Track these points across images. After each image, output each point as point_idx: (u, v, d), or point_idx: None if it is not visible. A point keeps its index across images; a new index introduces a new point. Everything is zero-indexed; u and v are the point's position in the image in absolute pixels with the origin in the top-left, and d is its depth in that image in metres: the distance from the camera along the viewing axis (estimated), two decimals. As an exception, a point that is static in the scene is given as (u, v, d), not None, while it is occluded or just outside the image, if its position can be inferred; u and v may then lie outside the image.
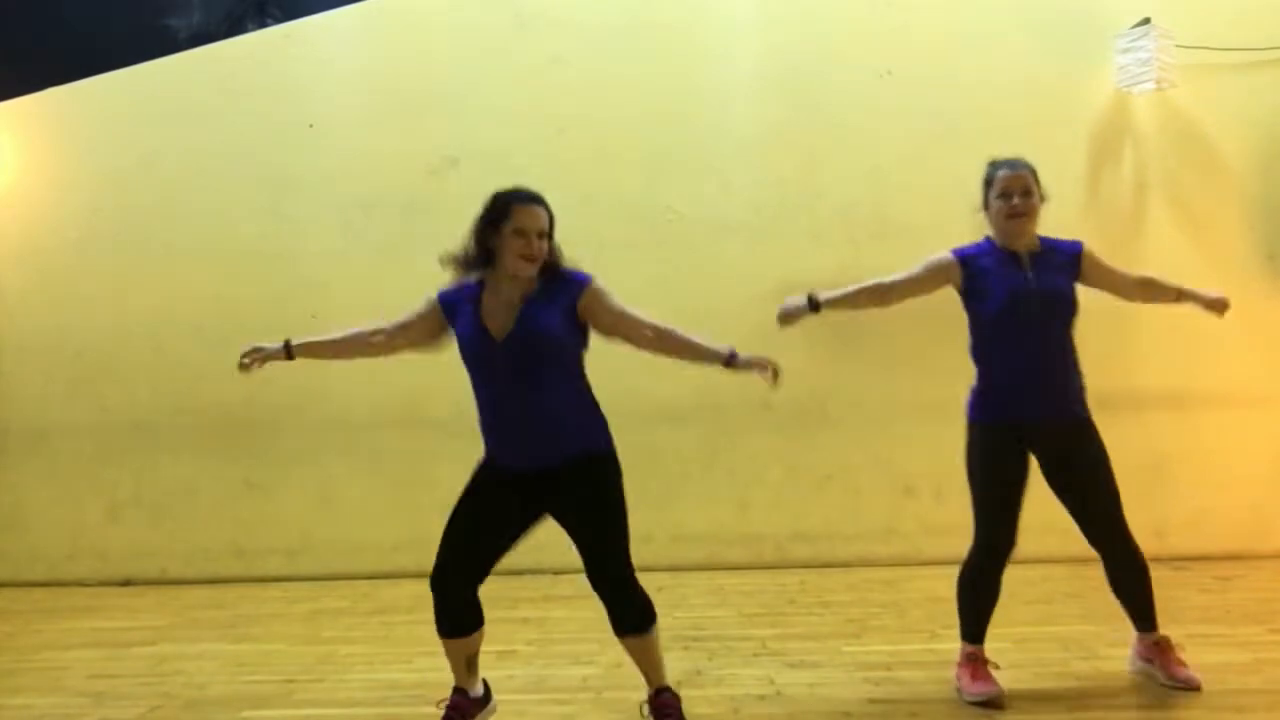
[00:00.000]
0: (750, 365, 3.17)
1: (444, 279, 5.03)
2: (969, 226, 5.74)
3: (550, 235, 3.16)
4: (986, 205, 3.59)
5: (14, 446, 5.95)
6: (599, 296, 3.17)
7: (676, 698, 3.29)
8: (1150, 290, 3.72)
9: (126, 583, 5.85)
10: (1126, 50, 5.70)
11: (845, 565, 5.53)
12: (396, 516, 5.83)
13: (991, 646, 3.76)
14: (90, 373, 5.92)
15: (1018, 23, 5.89)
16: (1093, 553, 5.59)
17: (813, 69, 5.91)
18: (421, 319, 3.30)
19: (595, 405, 3.23)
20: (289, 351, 3.36)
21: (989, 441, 3.51)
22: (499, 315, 3.12)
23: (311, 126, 5.95)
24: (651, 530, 5.82)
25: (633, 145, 5.87)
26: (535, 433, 3.10)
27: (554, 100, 5.89)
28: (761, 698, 3.61)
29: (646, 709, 3.29)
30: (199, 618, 5.05)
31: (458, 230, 6.11)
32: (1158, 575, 5.32)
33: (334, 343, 3.41)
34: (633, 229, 5.83)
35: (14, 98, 6.00)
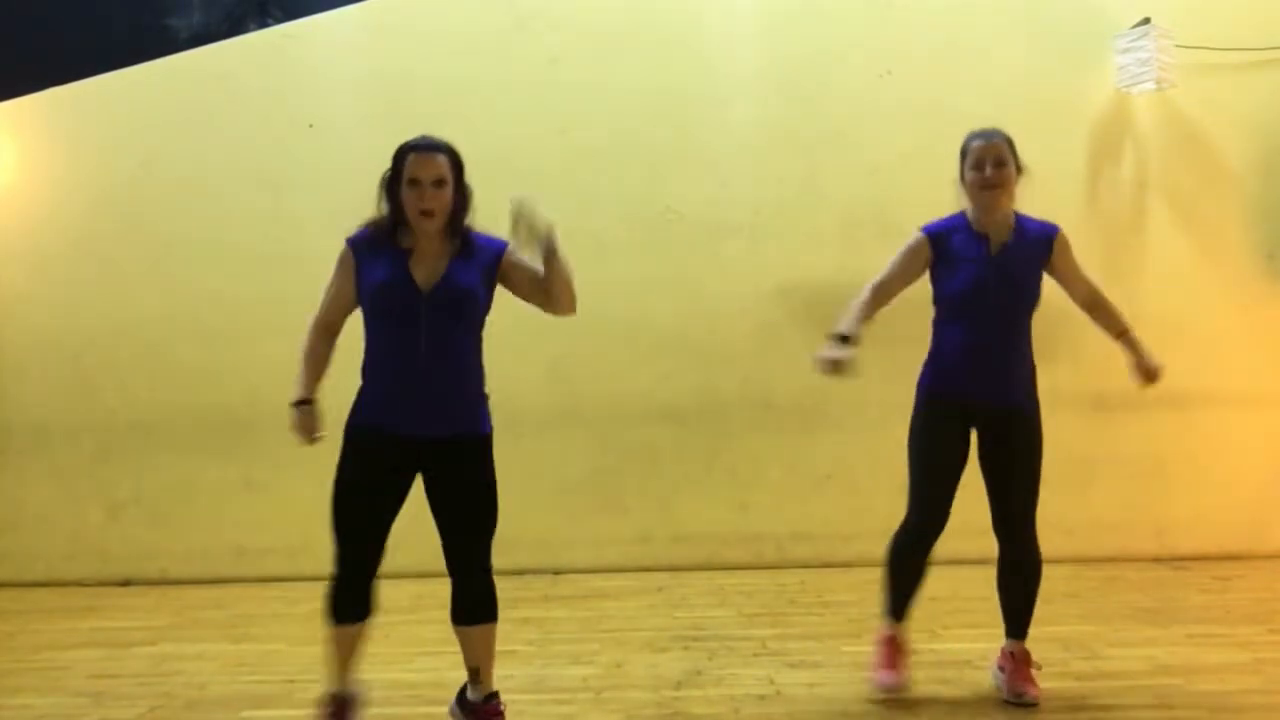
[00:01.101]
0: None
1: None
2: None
3: (459, 186, 3.04)
4: (962, 177, 3.53)
5: (14, 446, 5.94)
6: (521, 260, 3.10)
7: (502, 705, 3.19)
8: (1098, 311, 3.67)
9: (126, 583, 5.84)
10: (1126, 50, 5.70)
11: (845, 565, 5.53)
12: (396, 516, 5.83)
13: (991, 646, 3.76)
14: (90, 373, 5.92)
15: (1017, 23, 5.89)
16: (1093, 553, 5.66)
17: (813, 69, 5.91)
18: (346, 278, 3.12)
19: (484, 380, 3.17)
20: (308, 401, 3.16)
21: (934, 413, 3.55)
22: (425, 265, 3.01)
23: (312, 127, 5.95)
24: (651, 530, 5.85)
25: (633, 145, 5.87)
26: (437, 393, 3.02)
27: (554, 101, 5.89)
28: (761, 698, 3.61)
29: (458, 712, 3.24)
30: (199, 618, 5.05)
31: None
32: (1158, 575, 5.36)
33: (316, 363, 3.20)
34: (633, 229, 5.83)
35: (14, 98, 5.99)
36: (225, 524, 5.87)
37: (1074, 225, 5.90)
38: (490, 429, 3.15)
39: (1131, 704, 3.44)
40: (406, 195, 2.97)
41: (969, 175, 3.49)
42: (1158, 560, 5.65)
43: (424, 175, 2.96)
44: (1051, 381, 5.79)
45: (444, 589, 5.18)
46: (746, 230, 5.86)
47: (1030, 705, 3.46)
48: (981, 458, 3.60)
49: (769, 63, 5.94)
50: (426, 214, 2.97)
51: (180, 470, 5.88)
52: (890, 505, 5.79)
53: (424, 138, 3.05)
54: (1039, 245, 3.55)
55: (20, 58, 6.05)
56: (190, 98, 5.96)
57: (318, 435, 3.11)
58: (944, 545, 4.64)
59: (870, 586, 5.18)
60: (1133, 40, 5.67)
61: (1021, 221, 3.57)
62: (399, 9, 5.98)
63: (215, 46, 5.99)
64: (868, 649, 4.16)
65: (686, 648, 4.23)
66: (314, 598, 5.40)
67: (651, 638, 4.38)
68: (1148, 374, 3.59)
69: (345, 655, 3.14)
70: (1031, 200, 5.75)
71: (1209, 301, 5.81)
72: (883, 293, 3.57)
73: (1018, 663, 3.57)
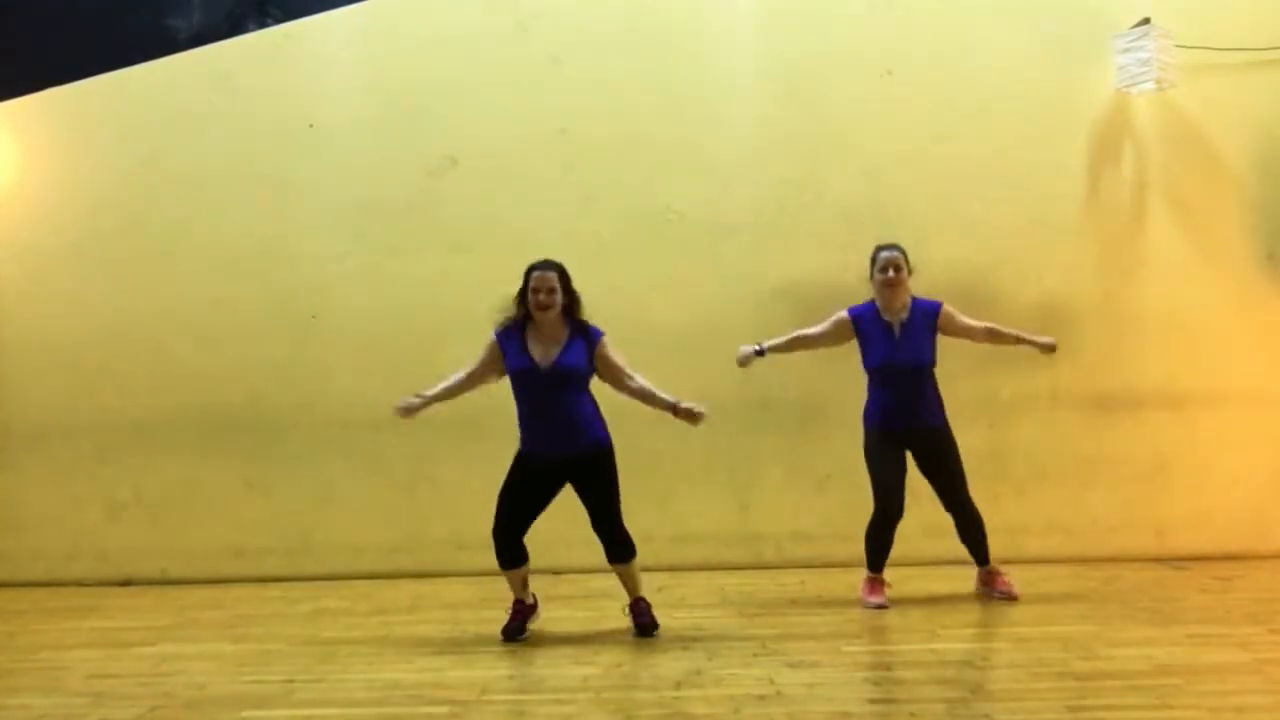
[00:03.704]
0: (690, 415, 4.40)
1: (443, 279, 5.11)
2: (966, 226, 5.77)
3: (566, 290, 4.35)
4: (871, 276, 4.78)
5: (14, 446, 5.95)
6: (606, 350, 4.43)
7: (648, 604, 4.52)
8: (994, 336, 4.85)
9: (126, 583, 5.85)
10: (1126, 50, 5.70)
11: (845, 565, 5.52)
12: (396, 516, 5.83)
13: (992, 646, 3.78)
14: (90, 373, 5.92)
15: (1017, 23, 5.89)
16: (1093, 553, 5.74)
17: (813, 69, 5.91)
18: (491, 356, 4.44)
19: (599, 411, 4.46)
20: (423, 403, 4.48)
21: (877, 441, 4.79)
22: (543, 349, 4.37)
23: (312, 127, 5.95)
24: (651, 530, 5.81)
25: (633, 145, 5.87)
26: (562, 429, 4.37)
27: (554, 100, 5.89)
28: (761, 698, 3.61)
29: (628, 611, 4.50)
30: (199, 618, 5.05)
31: (457, 230, 6.13)
32: (1158, 575, 5.38)
33: (449, 388, 4.48)
34: (633, 229, 5.83)
35: (15, 97, 6.00)
36: (225, 524, 5.87)
37: (1074, 225, 5.96)
38: (609, 442, 4.45)
39: (1131, 704, 3.43)
40: (531, 298, 4.35)
41: (877, 276, 4.76)
42: (1158, 560, 5.65)
43: (540, 285, 4.35)
44: (1051, 381, 5.85)
45: (444, 590, 5.20)
46: (746, 230, 5.86)
47: (1012, 599, 4.71)
48: (920, 467, 4.83)
49: (769, 63, 5.94)
50: (542, 307, 4.34)
51: (180, 470, 5.89)
52: (890, 505, 5.82)
53: (540, 261, 4.39)
54: (929, 319, 4.75)
55: (20, 58, 6.05)
56: (190, 97, 5.97)
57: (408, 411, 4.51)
58: (944, 545, 4.69)
59: (870, 586, 5.21)
60: (1133, 40, 5.66)
61: (915, 304, 4.79)
62: (399, 9, 5.98)
63: (215, 46, 6.00)
64: (867, 649, 4.18)
65: (686, 648, 4.23)
66: (313, 597, 5.44)
67: (651, 638, 4.38)
68: (1048, 348, 4.82)
69: (517, 583, 4.52)
70: (1032, 200, 5.81)
71: (1209, 301, 5.81)
72: (800, 343, 4.89)
73: (992, 577, 4.83)
